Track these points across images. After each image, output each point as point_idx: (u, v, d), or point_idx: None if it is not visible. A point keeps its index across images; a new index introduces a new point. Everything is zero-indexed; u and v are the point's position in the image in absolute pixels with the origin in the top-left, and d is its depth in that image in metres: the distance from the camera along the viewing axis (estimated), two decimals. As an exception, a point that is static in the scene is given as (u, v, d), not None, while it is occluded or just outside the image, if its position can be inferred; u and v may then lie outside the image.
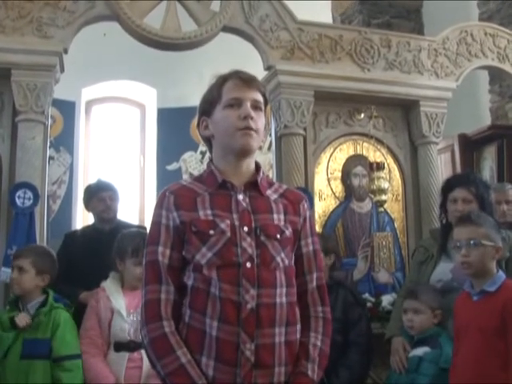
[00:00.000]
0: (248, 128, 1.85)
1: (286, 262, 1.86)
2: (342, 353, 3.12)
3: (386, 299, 4.04)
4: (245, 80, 1.90)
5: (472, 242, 2.65)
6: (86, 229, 4.20)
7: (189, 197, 1.87)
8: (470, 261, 2.64)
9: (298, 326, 1.86)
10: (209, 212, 1.83)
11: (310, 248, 1.96)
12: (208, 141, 1.99)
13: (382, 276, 4.25)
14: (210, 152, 2.00)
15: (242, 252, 1.79)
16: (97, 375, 2.93)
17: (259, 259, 1.80)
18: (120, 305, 3.03)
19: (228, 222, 1.81)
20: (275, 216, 1.89)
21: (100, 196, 3.98)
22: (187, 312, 1.80)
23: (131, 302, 3.04)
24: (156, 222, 1.88)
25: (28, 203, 3.54)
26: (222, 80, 1.93)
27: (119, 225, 3.87)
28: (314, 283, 1.94)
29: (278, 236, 1.85)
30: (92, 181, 4.92)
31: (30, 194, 3.55)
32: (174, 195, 1.88)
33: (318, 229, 4.19)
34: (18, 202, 3.52)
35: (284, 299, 1.81)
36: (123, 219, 4.25)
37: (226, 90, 1.90)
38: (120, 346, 2.98)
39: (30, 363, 2.88)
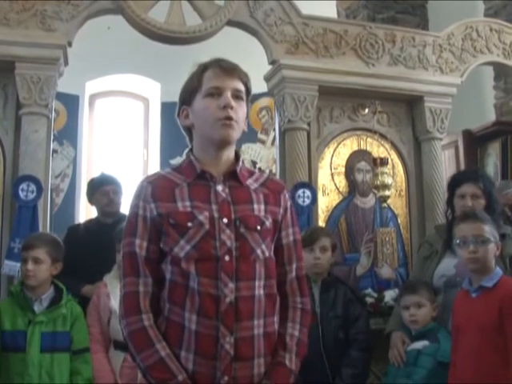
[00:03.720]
0: (228, 118, 1.82)
1: (267, 253, 1.86)
2: (345, 349, 3.13)
3: (389, 295, 4.03)
4: (225, 69, 1.87)
5: (480, 238, 2.66)
6: (89, 222, 4.20)
7: (167, 187, 1.85)
8: (478, 257, 2.65)
9: (277, 318, 1.87)
10: (187, 203, 1.81)
11: (291, 238, 1.95)
12: (188, 130, 1.96)
13: (385, 271, 4.24)
14: (190, 142, 1.97)
15: (220, 245, 1.78)
16: (98, 372, 2.94)
17: (238, 252, 1.79)
18: (118, 304, 3.01)
19: (207, 213, 1.80)
20: (255, 206, 1.87)
21: (103, 190, 3.98)
22: (166, 306, 1.80)
23: None
24: (133, 213, 1.87)
25: (31, 196, 3.53)
26: (203, 68, 1.90)
27: (122, 218, 3.84)
28: (294, 274, 1.94)
29: (258, 227, 1.84)
30: (95, 174, 4.92)
31: (33, 187, 3.54)
32: (152, 186, 1.86)
33: (321, 224, 4.19)
34: (22, 194, 3.52)
35: (262, 291, 1.82)
36: (126, 213, 4.24)
37: (206, 78, 1.87)
38: (117, 345, 3.00)
39: (53, 357, 2.87)
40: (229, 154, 1.91)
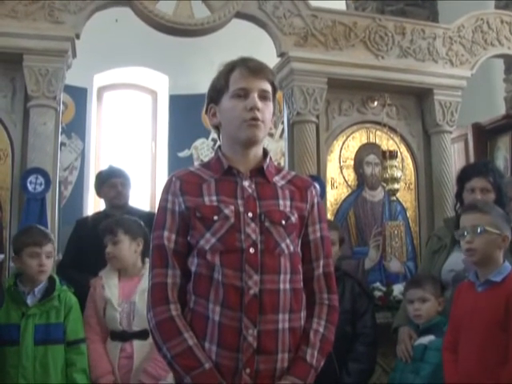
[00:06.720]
0: (254, 119, 1.85)
1: (292, 248, 1.87)
2: (352, 343, 3.12)
3: (397, 288, 4.02)
4: (252, 69, 1.89)
5: (477, 228, 2.62)
6: (97, 215, 4.19)
7: (195, 183, 1.89)
8: (474, 247, 2.61)
9: (303, 313, 1.87)
10: (214, 198, 1.85)
11: (318, 234, 1.96)
12: (217, 128, 2.00)
13: (394, 265, 4.24)
14: (219, 138, 2.01)
15: (245, 238, 1.81)
16: (95, 362, 2.96)
17: (263, 245, 1.81)
18: (113, 294, 3.04)
19: (232, 207, 1.83)
20: (281, 202, 1.89)
21: (111, 182, 3.99)
22: (192, 298, 1.82)
23: (124, 290, 3.06)
24: (162, 207, 1.90)
25: (39, 189, 3.54)
26: (230, 68, 1.91)
27: (130, 211, 3.86)
28: (321, 270, 1.94)
29: (283, 222, 1.86)
30: (103, 167, 4.92)
31: (41, 179, 3.55)
32: (181, 181, 1.90)
33: (329, 217, 4.17)
34: (30, 187, 3.52)
35: (288, 286, 1.83)
36: (134, 206, 4.25)
37: (233, 79, 1.89)
38: (114, 336, 3.01)
39: (46, 349, 2.88)
40: (256, 151, 1.94)
